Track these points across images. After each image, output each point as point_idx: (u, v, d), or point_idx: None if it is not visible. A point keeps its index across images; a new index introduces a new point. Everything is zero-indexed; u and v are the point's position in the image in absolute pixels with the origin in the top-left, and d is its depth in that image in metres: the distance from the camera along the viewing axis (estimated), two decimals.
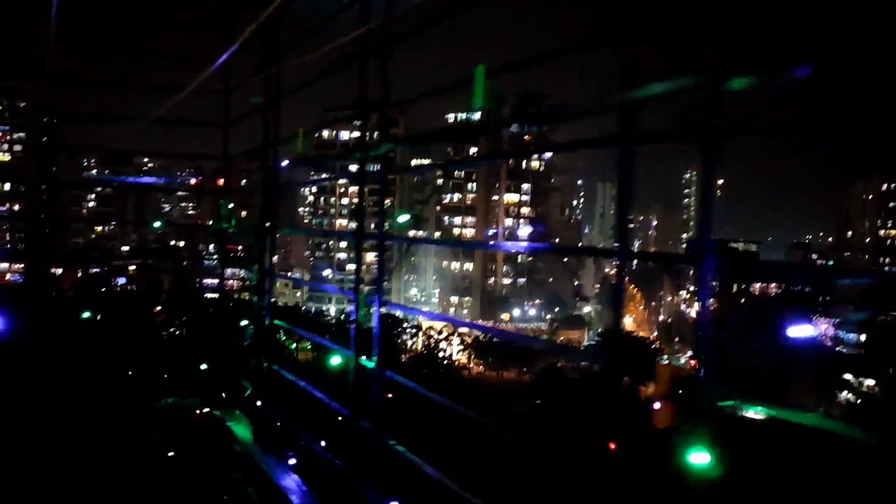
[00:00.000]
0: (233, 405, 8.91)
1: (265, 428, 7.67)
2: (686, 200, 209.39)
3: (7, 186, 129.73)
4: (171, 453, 8.66)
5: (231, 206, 10.53)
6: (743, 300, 78.73)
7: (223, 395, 9.35)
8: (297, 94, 7.82)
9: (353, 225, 7.87)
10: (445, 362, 79.51)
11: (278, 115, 7.84)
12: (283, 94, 7.80)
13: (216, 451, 8.40)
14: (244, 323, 8.05)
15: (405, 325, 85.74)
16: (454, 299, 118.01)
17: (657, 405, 3.77)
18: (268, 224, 8.65)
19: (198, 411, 8.97)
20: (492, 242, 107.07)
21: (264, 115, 8.03)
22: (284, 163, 7.90)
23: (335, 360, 7.45)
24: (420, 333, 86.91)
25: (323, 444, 6.81)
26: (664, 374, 4.03)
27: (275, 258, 8.60)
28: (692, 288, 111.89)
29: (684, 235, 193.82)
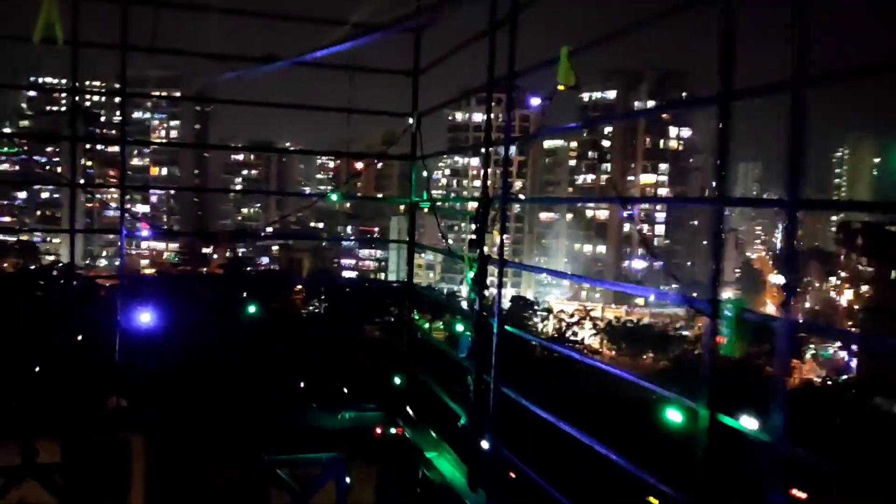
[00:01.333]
0: (437, 433, 6.79)
1: (489, 475, 5.38)
2: (837, 181, 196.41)
3: (164, 171, 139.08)
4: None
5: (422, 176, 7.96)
6: None
7: (407, 408, 7.25)
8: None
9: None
10: (577, 346, 78.76)
11: (515, 37, 5.33)
12: (521, 6, 5.30)
13: (409, 493, 6.51)
14: (459, 328, 6.00)
15: (535, 307, 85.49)
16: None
17: None
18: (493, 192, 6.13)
19: (379, 429, 6.95)
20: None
21: (491, 42, 5.62)
22: (535, 101, 5.34)
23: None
24: (551, 316, 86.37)
25: None
26: None
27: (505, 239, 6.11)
28: (843, 274, 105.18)
29: (834, 218, 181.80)
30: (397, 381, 7.38)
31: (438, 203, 8.85)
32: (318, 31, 6.88)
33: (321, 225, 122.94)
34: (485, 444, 5.34)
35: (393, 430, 6.96)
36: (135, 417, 6.50)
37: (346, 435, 6.89)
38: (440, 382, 6.63)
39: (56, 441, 6.17)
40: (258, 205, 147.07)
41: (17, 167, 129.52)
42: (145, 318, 6.65)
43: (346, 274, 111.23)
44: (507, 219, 6.18)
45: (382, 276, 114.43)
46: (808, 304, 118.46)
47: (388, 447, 6.87)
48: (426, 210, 8.15)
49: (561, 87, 4.40)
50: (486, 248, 5.91)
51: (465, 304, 6.06)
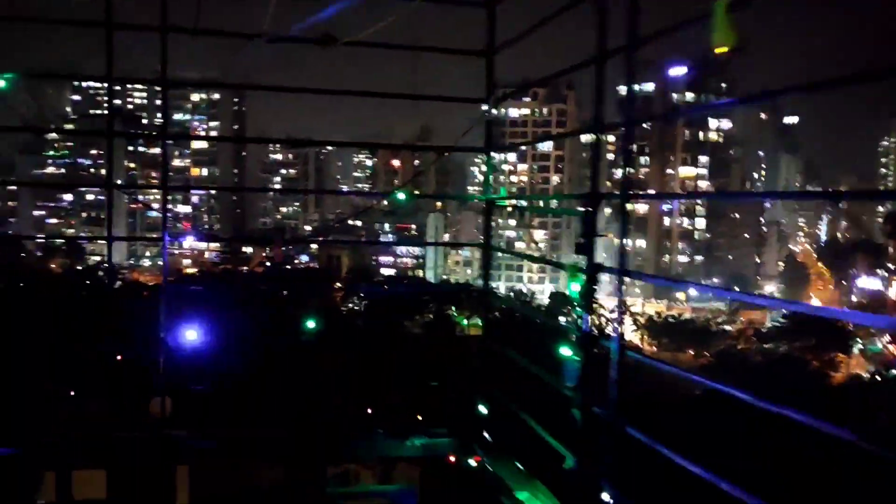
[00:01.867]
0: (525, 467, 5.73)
1: None
2: (884, 171, 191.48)
3: (205, 172, 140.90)
4: None
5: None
6: None
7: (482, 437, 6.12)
8: None
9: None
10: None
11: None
12: None
13: None
14: (566, 352, 5.14)
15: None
16: (626, 279, 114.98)
17: None
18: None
19: (453, 457, 5.87)
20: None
21: (601, 3, 4.52)
22: (677, 70, 4.31)
23: None
24: None
25: None
26: None
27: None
28: (892, 266, 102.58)
29: (880, 209, 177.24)
30: (479, 406, 6.29)
31: (512, 201, 8.31)
32: (375, 13, 6.16)
33: (359, 223, 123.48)
34: (605, 498, 4.35)
35: (471, 461, 5.90)
36: (180, 446, 6.08)
37: (415, 463, 5.95)
38: (524, 406, 5.49)
39: (101, 470, 5.90)
40: (296, 203, 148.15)
41: (62, 170, 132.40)
42: (190, 333, 6.32)
43: (385, 271, 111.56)
44: (628, 220, 4.94)
45: (420, 273, 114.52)
46: (854, 298, 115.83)
47: (464, 478, 5.83)
48: (509, 208, 7.47)
49: (721, 50, 3.52)
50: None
51: (565, 321, 5.31)
